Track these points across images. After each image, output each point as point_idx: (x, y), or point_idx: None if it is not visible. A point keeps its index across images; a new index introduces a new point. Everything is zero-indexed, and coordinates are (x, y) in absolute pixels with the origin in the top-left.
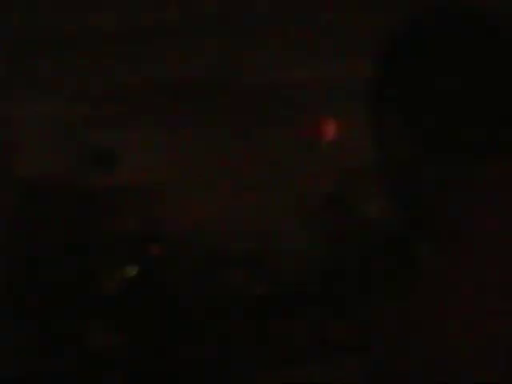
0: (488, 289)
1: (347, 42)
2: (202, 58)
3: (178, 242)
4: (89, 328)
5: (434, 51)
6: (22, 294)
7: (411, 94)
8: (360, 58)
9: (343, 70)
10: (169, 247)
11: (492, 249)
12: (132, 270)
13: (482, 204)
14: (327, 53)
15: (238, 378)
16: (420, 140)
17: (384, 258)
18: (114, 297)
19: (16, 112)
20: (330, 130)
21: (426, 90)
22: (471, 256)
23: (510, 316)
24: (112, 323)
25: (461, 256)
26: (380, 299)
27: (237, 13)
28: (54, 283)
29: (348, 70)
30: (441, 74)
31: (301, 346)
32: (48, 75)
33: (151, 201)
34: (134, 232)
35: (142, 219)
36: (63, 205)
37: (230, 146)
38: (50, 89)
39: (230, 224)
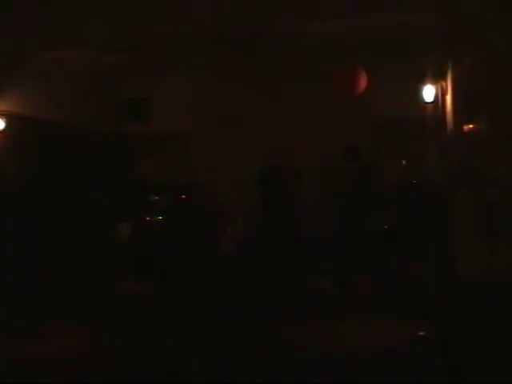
0: None
1: None
2: (238, 7)
3: (205, 191)
4: (115, 275)
5: None
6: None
7: None
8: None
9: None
10: (195, 195)
11: None
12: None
13: None
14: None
15: (263, 331)
16: None
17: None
18: (138, 244)
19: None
20: (362, 81)
21: None
22: None
23: None
24: (137, 270)
25: None
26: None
27: None
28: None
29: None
30: None
31: (326, 301)
32: (82, 24)
33: (181, 150)
34: (162, 180)
35: (171, 167)
36: (96, 151)
37: (260, 97)
38: (85, 37)
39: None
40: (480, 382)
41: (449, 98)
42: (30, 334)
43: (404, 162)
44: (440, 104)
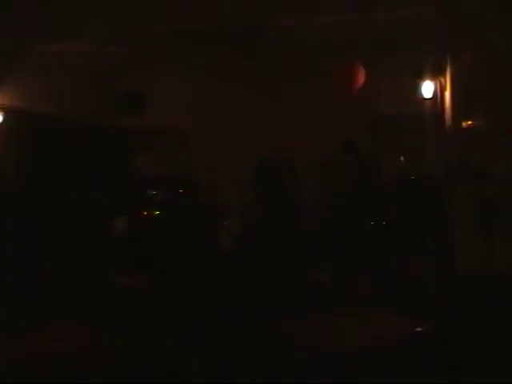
0: None
1: None
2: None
3: (203, 185)
4: (113, 270)
5: None
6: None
7: None
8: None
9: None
10: (193, 190)
11: None
12: (154, 212)
13: None
14: None
15: (263, 326)
16: None
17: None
18: (135, 238)
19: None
20: (360, 76)
21: None
22: None
23: None
24: (134, 265)
25: None
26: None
27: None
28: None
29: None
30: None
31: (326, 296)
32: (80, 19)
33: (177, 144)
34: (161, 174)
35: (169, 162)
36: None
37: (257, 93)
38: (82, 32)
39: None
40: (479, 382)
41: (447, 94)
42: (30, 333)
43: (402, 158)
44: (439, 100)
